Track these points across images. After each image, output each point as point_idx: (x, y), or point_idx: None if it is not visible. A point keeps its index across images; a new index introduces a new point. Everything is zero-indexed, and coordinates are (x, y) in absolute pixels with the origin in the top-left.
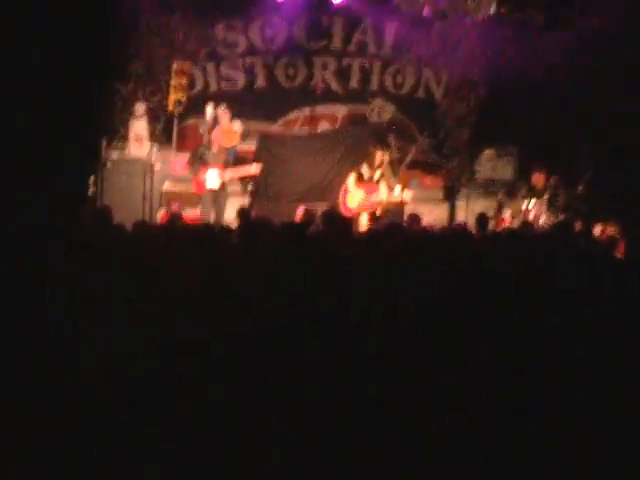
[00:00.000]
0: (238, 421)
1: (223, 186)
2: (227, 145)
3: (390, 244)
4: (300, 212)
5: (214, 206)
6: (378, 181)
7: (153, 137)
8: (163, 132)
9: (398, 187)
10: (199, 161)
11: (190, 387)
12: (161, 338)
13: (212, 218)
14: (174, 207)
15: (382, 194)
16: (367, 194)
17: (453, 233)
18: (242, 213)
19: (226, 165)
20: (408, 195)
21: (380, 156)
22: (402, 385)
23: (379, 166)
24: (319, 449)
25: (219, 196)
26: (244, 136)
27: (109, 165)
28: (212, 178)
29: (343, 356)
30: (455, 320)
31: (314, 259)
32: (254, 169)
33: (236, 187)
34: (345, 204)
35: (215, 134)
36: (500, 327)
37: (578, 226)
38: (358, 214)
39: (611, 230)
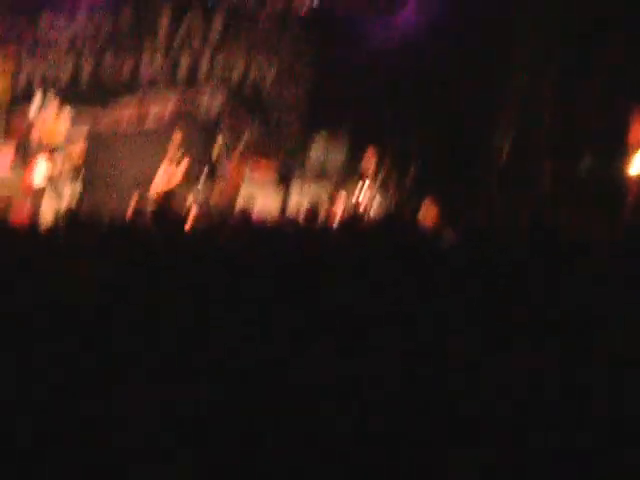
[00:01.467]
0: None
1: (57, 175)
2: (52, 133)
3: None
4: (132, 205)
5: (51, 197)
6: (179, 162)
7: None
8: None
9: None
10: (25, 152)
11: None
12: None
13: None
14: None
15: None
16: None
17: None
18: (69, 213)
19: (53, 152)
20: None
21: (177, 135)
22: None
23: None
24: None
25: (57, 185)
26: (72, 125)
27: None
28: (42, 167)
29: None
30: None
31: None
32: (79, 150)
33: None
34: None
35: (39, 123)
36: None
37: (408, 211)
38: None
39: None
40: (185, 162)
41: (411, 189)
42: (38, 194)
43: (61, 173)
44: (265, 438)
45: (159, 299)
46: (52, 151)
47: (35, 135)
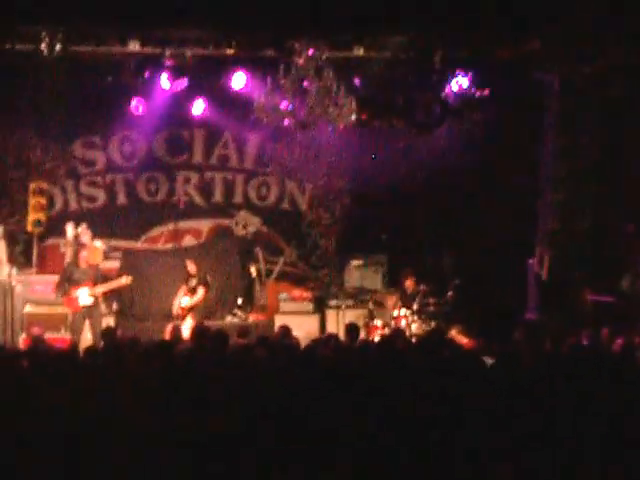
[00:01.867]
0: None
1: (96, 302)
2: (92, 262)
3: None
4: (169, 329)
5: (90, 323)
6: (195, 288)
7: (12, 259)
8: (22, 253)
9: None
10: (68, 282)
11: None
12: None
13: (85, 336)
14: (35, 330)
15: (196, 298)
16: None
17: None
18: (106, 334)
19: (95, 282)
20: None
21: (190, 264)
22: None
23: (194, 275)
24: None
25: (93, 312)
26: (107, 254)
27: None
28: (84, 295)
29: None
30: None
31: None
32: (125, 280)
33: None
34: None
35: (82, 253)
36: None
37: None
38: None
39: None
40: (209, 281)
41: (449, 311)
42: (86, 313)
43: (100, 295)
44: None
45: (200, 413)
46: (93, 277)
47: (75, 265)
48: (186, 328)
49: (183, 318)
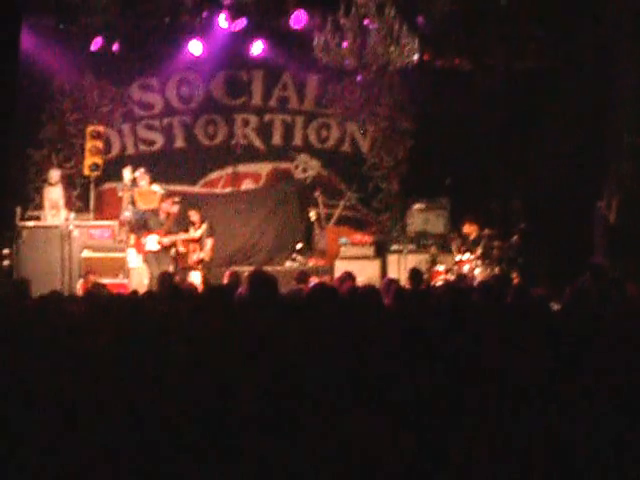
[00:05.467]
0: None
1: (165, 249)
2: (146, 207)
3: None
4: (227, 274)
5: (149, 269)
6: (201, 239)
7: (69, 204)
8: (80, 198)
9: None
10: (144, 228)
11: None
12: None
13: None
14: (93, 277)
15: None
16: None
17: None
18: (163, 279)
19: (169, 232)
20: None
21: (194, 213)
22: None
23: (197, 223)
24: None
25: (162, 257)
26: (164, 197)
27: (24, 234)
28: (151, 242)
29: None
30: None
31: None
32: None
33: None
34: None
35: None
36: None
37: (515, 278)
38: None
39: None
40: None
41: (515, 259)
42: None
43: (167, 244)
44: None
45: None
46: (167, 226)
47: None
48: (196, 279)
49: (194, 269)
